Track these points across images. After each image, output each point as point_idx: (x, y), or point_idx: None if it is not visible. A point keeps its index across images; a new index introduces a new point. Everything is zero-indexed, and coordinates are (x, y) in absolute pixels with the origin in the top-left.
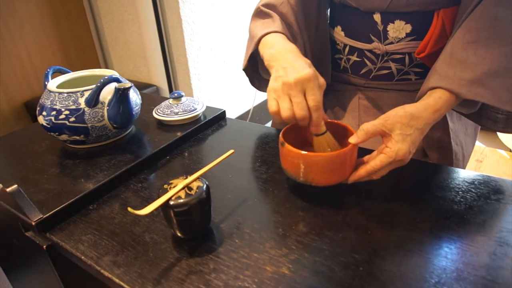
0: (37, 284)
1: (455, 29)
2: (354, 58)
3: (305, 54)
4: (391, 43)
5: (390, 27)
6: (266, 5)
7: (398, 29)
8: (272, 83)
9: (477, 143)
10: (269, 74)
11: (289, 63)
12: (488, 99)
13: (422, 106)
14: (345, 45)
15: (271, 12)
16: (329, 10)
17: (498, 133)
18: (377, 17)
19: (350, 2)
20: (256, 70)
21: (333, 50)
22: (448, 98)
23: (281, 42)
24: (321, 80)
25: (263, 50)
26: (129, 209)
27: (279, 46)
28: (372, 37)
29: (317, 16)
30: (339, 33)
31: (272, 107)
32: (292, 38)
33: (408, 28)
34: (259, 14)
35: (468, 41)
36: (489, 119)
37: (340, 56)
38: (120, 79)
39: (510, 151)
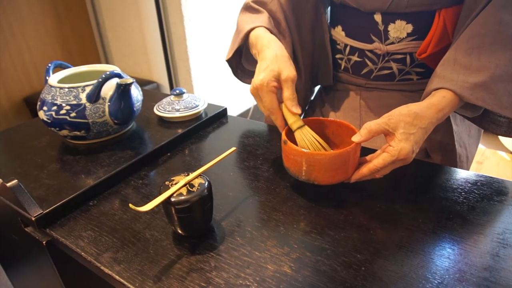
0: (36, 280)
1: (458, 34)
2: (355, 58)
3: (294, 52)
4: (392, 43)
5: (391, 27)
6: (256, 2)
7: (399, 29)
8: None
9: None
10: (250, 65)
11: (259, 64)
12: (489, 104)
13: (426, 105)
14: (346, 45)
15: (260, 8)
16: (329, 10)
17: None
18: (377, 17)
19: (350, 3)
20: (240, 62)
21: (333, 50)
22: (452, 98)
23: (265, 36)
24: (284, 75)
25: (253, 51)
26: (130, 205)
27: (264, 41)
28: (373, 37)
29: (314, 16)
30: (339, 33)
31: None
32: (280, 35)
33: (409, 28)
34: (248, 9)
35: (472, 47)
36: (491, 123)
37: (341, 56)
38: (122, 74)
39: (511, 153)
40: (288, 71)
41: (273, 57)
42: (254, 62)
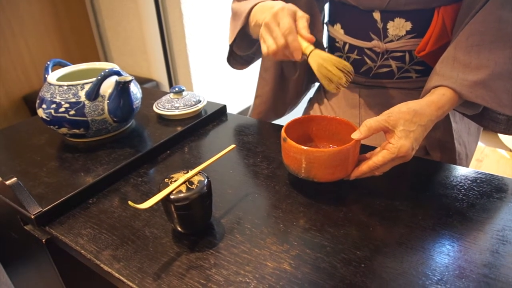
0: (36, 278)
1: (458, 31)
2: (354, 56)
3: None
4: (391, 41)
5: (390, 25)
6: None
7: (398, 27)
8: (260, 29)
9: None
10: (243, 51)
11: (268, 8)
12: (488, 102)
13: (425, 102)
14: (345, 43)
15: None
16: (327, 8)
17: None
18: (376, 15)
19: (349, 0)
20: (232, 49)
21: (332, 48)
22: (452, 96)
23: (270, 1)
24: (300, 13)
25: (256, 18)
26: (129, 202)
27: (266, 5)
28: (372, 35)
29: (308, 15)
30: (338, 31)
31: (263, 50)
32: None
33: (408, 25)
34: None
35: (471, 45)
36: (491, 120)
37: (340, 54)
38: (121, 72)
39: (510, 151)
40: (303, 12)
41: (285, 3)
42: (245, 47)
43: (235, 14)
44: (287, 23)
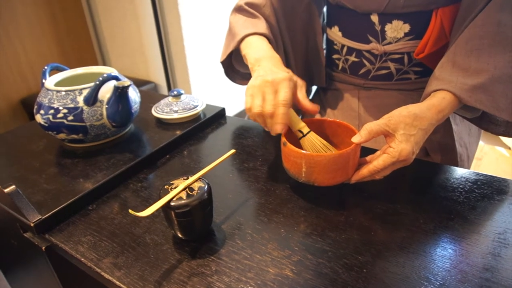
0: (37, 285)
1: (456, 34)
2: (352, 58)
3: (286, 55)
4: (389, 43)
5: (387, 27)
6: (249, 4)
7: (396, 29)
8: (252, 81)
9: None
10: (242, 67)
11: (270, 68)
12: (486, 106)
13: (426, 106)
14: (343, 46)
15: (255, 12)
16: (325, 10)
17: None
18: (374, 17)
19: (346, 4)
20: (231, 63)
21: (331, 50)
22: (452, 99)
23: (265, 49)
24: (299, 81)
25: (247, 51)
26: (130, 211)
27: (264, 53)
28: (370, 38)
29: (306, 18)
30: (336, 34)
31: (247, 103)
32: (274, 39)
33: (406, 27)
34: (241, 11)
35: (471, 49)
36: (490, 123)
37: (338, 57)
38: (119, 77)
39: (510, 149)
40: (300, 80)
41: (288, 71)
42: (244, 64)
43: (230, 30)
44: (285, 96)
